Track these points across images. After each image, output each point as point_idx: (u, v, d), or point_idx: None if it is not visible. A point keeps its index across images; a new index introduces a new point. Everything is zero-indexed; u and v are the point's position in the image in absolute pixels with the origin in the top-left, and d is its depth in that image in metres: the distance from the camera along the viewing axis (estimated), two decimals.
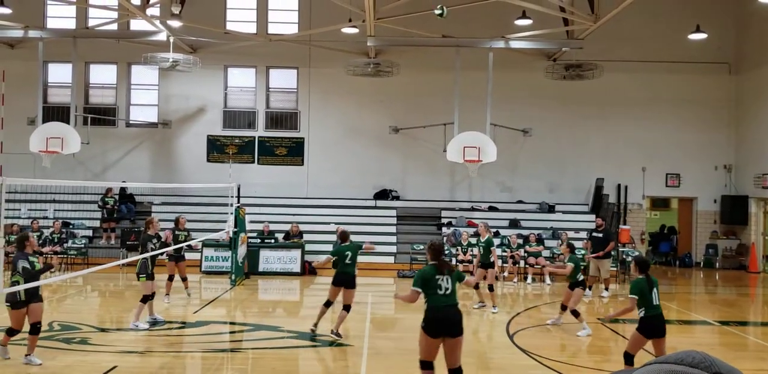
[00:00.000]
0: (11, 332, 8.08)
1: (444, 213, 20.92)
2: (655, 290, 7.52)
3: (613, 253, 17.15)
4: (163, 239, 11.38)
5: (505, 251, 18.14)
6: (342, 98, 21.77)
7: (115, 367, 8.10)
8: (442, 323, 6.42)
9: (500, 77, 19.08)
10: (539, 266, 17.40)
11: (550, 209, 21.06)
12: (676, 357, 1.19)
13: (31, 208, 19.69)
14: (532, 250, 17.93)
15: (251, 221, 17.60)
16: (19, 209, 19.23)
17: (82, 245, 18.39)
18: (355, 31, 19.20)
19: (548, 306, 13.90)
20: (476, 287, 12.61)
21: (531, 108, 21.29)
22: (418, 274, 6.74)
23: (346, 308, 9.89)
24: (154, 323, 10.51)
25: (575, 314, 10.58)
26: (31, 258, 8.05)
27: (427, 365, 6.50)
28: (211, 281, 16.16)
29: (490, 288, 12.71)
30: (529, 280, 17.29)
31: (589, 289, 14.42)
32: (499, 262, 12.96)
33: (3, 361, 8.24)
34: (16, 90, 20.30)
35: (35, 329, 8.11)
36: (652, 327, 7.37)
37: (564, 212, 20.87)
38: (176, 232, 13.27)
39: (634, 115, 21.50)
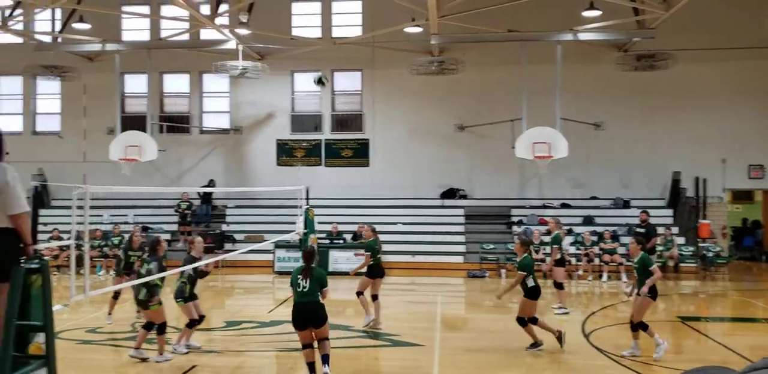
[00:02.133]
0: (191, 324, 8.91)
1: (514, 211, 20.64)
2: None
3: (659, 249, 16.63)
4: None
5: (579, 249, 17.77)
6: (406, 97, 21.80)
7: (194, 367, 8.36)
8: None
9: (568, 70, 18.69)
10: (614, 264, 16.96)
11: (625, 204, 20.46)
12: None
13: (113, 214, 20.57)
14: (606, 247, 17.48)
15: (320, 222, 17.82)
16: (101, 215, 20.12)
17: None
18: (418, 30, 19.19)
19: (625, 304, 13.51)
20: (560, 286, 12.39)
21: (602, 101, 20.74)
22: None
23: (376, 297, 10.74)
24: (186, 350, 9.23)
25: (643, 327, 8.85)
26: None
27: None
28: (284, 281, 16.33)
29: (560, 286, 12.46)
30: (605, 278, 16.86)
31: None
32: (557, 257, 12.57)
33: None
34: (96, 101, 21.20)
35: (163, 328, 8.69)
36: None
37: (640, 208, 20.23)
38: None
39: (710, 105, 20.64)
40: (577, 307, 13.84)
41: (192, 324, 9.09)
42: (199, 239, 9.63)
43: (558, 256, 12.53)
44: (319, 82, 19.07)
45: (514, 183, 21.60)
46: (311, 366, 7.67)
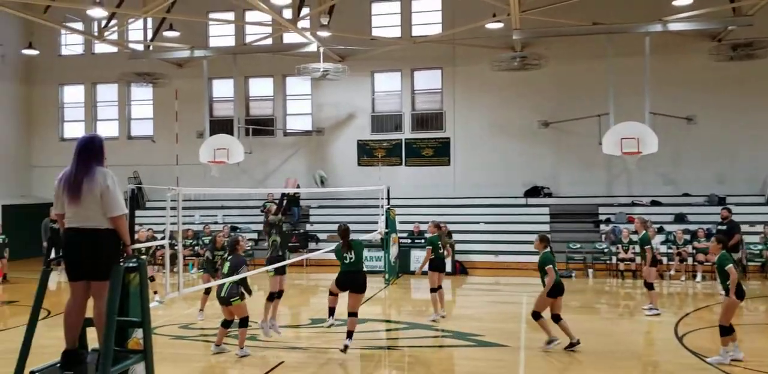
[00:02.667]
0: (242, 322, 9.01)
1: (601, 210, 20.06)
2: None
3: (758, 248, 15.77)
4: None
5: (671, 248, 17.10)
6: (487, 94, 21.57)
7: (282, 363, 8.57)
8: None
9: (658, 62, 18.00)
10: (709, 264, 16.21)
11: (720, 201, 19.49)
12: None
13: (203, 214, 21.33)
14: (700, 246, 16.72)
15: (401, 222, 17.89)
16: (193, 215, 20.91)
17: (248, 248, 19.57)
18: (499, 25, 18.93)
19: (720, 305, 12.91)
20: (650, 287, 12.00)
21: (694, 94, 19.86)
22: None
23: (437, 290, 11.39)
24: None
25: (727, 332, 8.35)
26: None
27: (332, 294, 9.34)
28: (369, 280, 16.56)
29: (650, 286, 12.04)
30: (699, 278, 16.14)
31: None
32: (649, 257, 12.13)
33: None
34: (186, 106, 22.03)
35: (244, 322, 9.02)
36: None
37: (736, 205, 19.23)
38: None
39: None
40: (670, 308, 13.31)
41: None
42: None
43: (650, 256, 12.13)
44: (321, 182, 21.51)
45: (601, 180, 21.00)
46: (333, 310, 9.21)
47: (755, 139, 19.81)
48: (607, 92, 17.89)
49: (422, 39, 20.76)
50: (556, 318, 9.30)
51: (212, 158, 19.44)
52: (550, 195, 21.07)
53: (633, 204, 20.14)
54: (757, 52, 17.83)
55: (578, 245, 18.23)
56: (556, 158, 21.23)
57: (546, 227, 19.71)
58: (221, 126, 21.63)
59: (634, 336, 10.66)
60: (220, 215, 21.68)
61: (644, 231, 12.31)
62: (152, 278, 12.07)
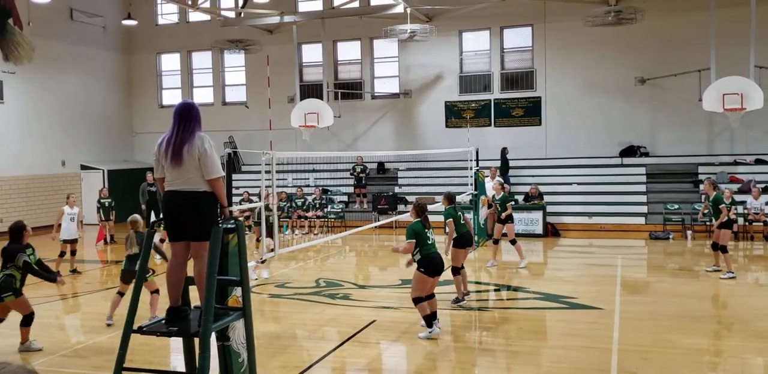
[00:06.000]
0: None
1: (701, 169, 19.15)
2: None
3: None
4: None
5: None
6: (580, 51, 20.77)
7: (374, 321, 8.81)
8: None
9: (763, 12, 16.74)
10: None
11: None
12: None
13: (296, 177, 21.88)
14: None
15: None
16: (286, 179, 21.47)
17: (340, 210, 20.03)
18: None
19: None
20: (722, 249, 11.54)
21: None
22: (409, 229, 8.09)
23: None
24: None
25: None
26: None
27: (421, 300, 7.98)
28: None
29: (723, 249, 11.53)
30: None
31: None
32: (724, 219, 11.60)
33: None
34: (277, 72, 22.33)
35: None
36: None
37: None
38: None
39: None
40: None
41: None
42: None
43: (725, 218, 11.64)
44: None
45: (701, 139, 20.00)
46: (431, 317, 7.96)
47: None
48: (708, 46, 16.85)
49: None
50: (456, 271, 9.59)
51: (303, 122, 19.79)
52: (647, 155, 20.28)
53: (735, 163, 19.12)
54: None
55: (676, 206, 17.57)
56: (654, 116, 20.33)
57: (642, 188, 19.07)
58: (311, 91, 21.94)
59: (735, 299, 10.28)
60: (311, 178, 22.18)
61: (714, 192, 11.83)
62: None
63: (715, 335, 8.27)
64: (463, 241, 9.74)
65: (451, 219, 9.65)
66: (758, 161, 18.98)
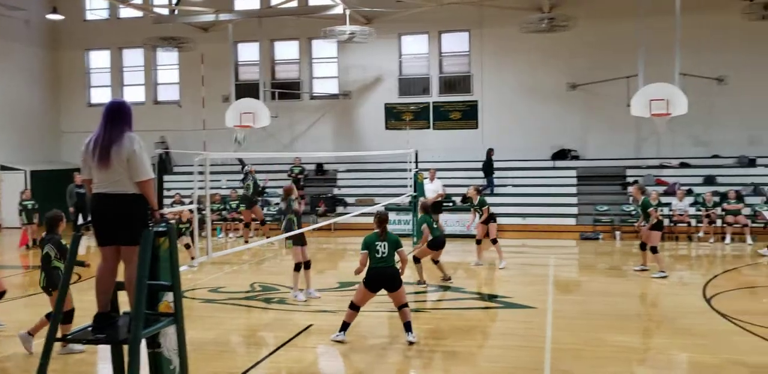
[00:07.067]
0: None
1: (629, 172, 19.81)
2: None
3: None
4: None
5: (700, 210, 16.91)
6: (516, 57, 21.20)
7: (310, 325, 8.71)
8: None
9: (689, 22, 17.45)
10: (739, 225, 16.03)
11: (751, 163, 19.17)
12: None
13: (230, 179, 21.50)
14: (730, 208, 16.50)
15: (445, 185, 17.82)
16: (219, 180, 21.08)
17: (276, 212, 19.74)
18: None
19: (750, 267, 12.82)
20: (652, 250, 11.96)
21: (726, 54, 19.30)
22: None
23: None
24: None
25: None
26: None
27: (354, 307, 8.03)
28: None
29: (653, 249, 11.96)
30: (728, 240, 15.98)
31: None
32: (654, 221, 12.09)
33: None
34: (212, 70, 21.99)
35: None
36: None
37: (767, 166, 18.92)
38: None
39: None
40: (697, 270, 13.27)
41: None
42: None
43: (655, 220, 12.06)
44: (239, 144, 20.18)
45: (629, 142, 20.70)
46: (347, 325, 7.92)
47: None
48: (636, 54, 17.47)
49: (449, 0, 20.32)
50: (435, 262, 11.45)
51: (238, 122, 19.48)
52: (577, 158, 20.85)
53: (662, 166, 19.86)
54: None
55: (605, 208, 18.13)
56: (584, 120, 20.92)
57: (573, 190, 19.58)
58: (247, 90, 21.59)
59: (662, 298, 10.65)
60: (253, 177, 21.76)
61: (642, 197, 12.27)
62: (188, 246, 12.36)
63: (644, 332, 8.54)
64: (437, 243, 11.25)
65: (426, 225, 11.19)
66: (683, 165, 19.78)
